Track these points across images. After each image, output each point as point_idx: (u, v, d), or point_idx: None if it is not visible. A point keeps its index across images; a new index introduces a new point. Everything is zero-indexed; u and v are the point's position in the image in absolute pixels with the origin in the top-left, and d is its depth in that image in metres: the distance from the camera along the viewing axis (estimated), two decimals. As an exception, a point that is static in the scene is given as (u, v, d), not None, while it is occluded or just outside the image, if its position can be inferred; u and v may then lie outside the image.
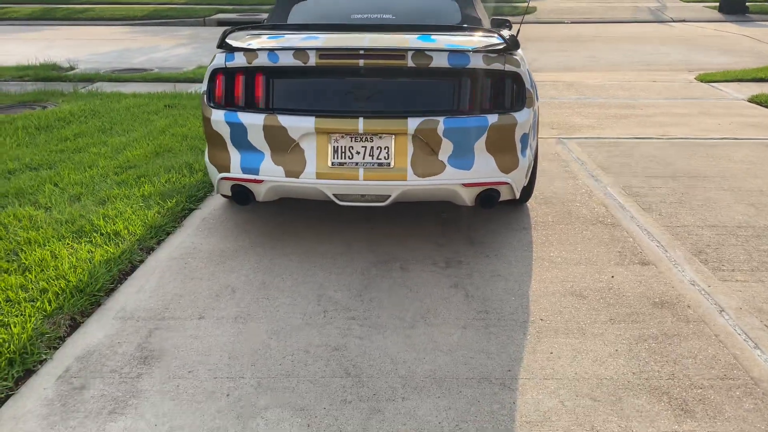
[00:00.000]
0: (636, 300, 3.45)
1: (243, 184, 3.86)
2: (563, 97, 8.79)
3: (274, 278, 3.70)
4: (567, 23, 18.02)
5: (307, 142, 3.69)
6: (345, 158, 3.68)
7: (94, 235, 4.15)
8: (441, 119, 3.62)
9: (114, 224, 4.29)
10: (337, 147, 3.68)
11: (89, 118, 7.54)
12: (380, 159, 3.67)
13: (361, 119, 3.62)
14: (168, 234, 4.34)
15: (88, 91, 9.45)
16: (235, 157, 3.83)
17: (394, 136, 3.64)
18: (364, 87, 3.66)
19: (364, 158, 3.68)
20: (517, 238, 4.25)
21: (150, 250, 4.10)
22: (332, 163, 3.69)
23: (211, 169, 3.98)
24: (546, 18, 18.83)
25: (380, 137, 3.65)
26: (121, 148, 6.20)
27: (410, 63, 3.61)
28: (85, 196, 4.88)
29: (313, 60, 3.65)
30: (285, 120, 3.67)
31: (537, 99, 4.26)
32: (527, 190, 4.56)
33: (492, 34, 3.94)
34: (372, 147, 3.67)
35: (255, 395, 2.70)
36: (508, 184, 3.79)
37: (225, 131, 3.80)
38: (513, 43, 3.73)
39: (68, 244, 4.02)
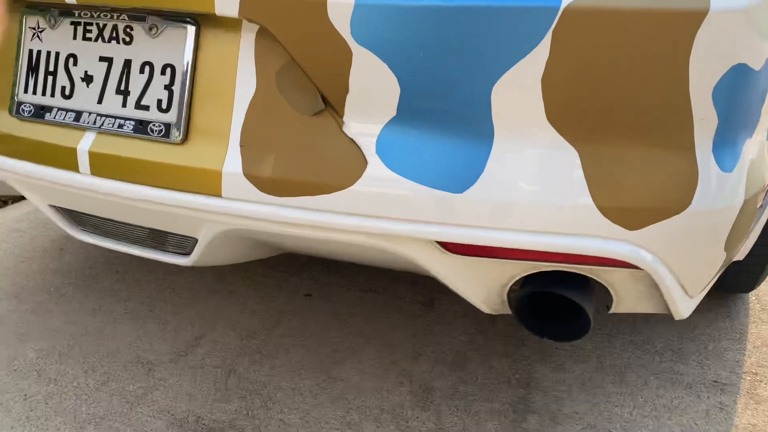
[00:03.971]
0: None
1: None
2: None
3: None
4: None
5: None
6: (53, 91, 1.10)
7: None
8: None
9: None
10: (37, 55, 1.11)
11: None
12: (144, 105, 1.03)
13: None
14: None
15: None
16: None
17: (187, 28, 0.98)
18: None
19: (102, 94, 1.06)
20: (687, 424, 1.33)
21: None
22: (20, 107, 1.13)
23: None
24: None
25: (152, 29, 1.01)
26: None
27: None
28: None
29: None
30: None
31: None
32: (749, 274, 1.56)
33: None
34: (127, 62, 1.03)
35: None
36: (638, 269, 0.93)
37: None
38: None
39: None
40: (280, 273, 1.88)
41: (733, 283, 1.62)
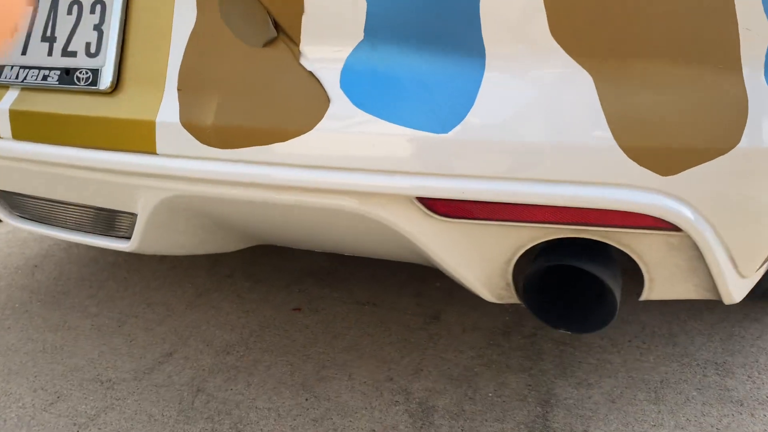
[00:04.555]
0: None
1: None
2: None
3: None
4: None
5: None
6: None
7: None
8: None
9: None
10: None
11: None
12: (71, 52, 0.86)
13: None
14: None
15: None
16: None
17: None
18: None
19: (27, 43, 0.90)
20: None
21: None
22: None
23: None
24: None
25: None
26: None
27: None
28: None
29: None
30: None
31: None
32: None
33: None
34: (54, 4, 0.88)
35: None
36: (676, 230, 0.72)
37: None
38: None
39: None
40: (267, 287, 1.70)
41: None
